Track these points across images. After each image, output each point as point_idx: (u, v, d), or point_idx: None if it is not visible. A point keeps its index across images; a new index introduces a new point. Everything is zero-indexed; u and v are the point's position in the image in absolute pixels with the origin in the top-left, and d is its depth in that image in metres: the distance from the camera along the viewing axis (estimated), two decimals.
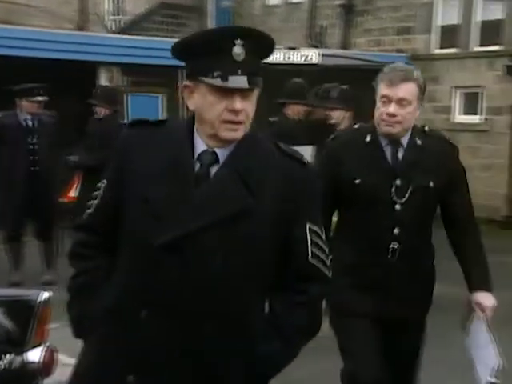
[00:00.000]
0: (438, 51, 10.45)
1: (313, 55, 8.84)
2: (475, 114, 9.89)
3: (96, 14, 12.81)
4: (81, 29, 11.99)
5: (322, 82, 5.59)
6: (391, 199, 2.36)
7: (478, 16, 9.97)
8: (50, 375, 2.29)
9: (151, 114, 9.52)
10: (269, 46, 1.55)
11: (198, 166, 1.55)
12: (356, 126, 2.56)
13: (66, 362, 2.59)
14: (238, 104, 1.49)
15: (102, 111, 5.72)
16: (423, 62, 9.87)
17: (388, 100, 2.30)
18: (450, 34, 10.28)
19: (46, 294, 2.36)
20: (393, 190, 2.36)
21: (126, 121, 7.48)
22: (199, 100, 1.53)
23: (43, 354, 2.25)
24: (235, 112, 1.50)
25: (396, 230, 2.36)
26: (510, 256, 3.36)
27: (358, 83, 5.52)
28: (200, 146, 1.56)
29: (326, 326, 1.90)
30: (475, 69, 9.73)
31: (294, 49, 8.88)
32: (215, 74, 1.47)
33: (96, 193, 1.67)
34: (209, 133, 1.54)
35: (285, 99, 5.17)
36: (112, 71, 9.75)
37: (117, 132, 5.09)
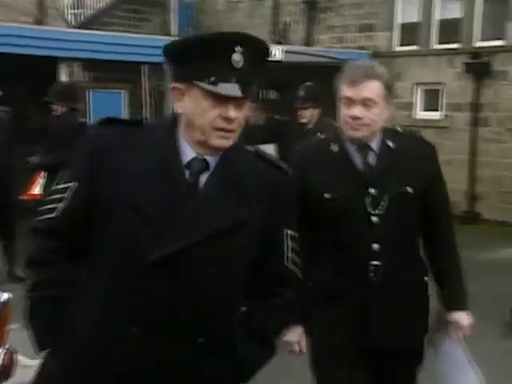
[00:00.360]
0: (399, 48, 10.60)
1: (276, 52, 8.85)
2: (436, 110, 10.08)
3: (55, 8, 12.55)
4: (39, 23, 11.72)
5: (285, 79, 5.62)
6: (366, 211, 2.09)
7: (438, 14, 10.16)
8: (10, 378, 2.25)
9: (114, 111, 9.39)
10: (265, 54, 1.53)
11: (187, 173, 1.51)
12: (322, 136, 2.33)
13: (26, 364, 2.53)
14: (233, 112, 1.46)
15: (58, 109, 5.56)
16: (385, 59, 9.99)
17: (351, 102, 2.06)
18: (410, 32, 10.44)
19: (5, 295, 2.31)
20: (366, 200, 2.10)
21: (86, 119, 7.33)
22: (190, 104, 1.47)
23: (2, 356, 2.20)
24: (228, 120, 1.46)
25: (375, 246, 2.10)
26: (469, 250, 3.41)
27: (321, 80, 5.56)
28: (188, 152, 1.51)
29: None
30: (436, 66, 9.92)
31: None
32: (211, 79, 1.43)
33: (59, 195, 1.55)
34: (198, 139, 1.49)
35: None
36: (73, 67, 9.58)
37: (75, 130, 5.03)
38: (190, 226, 1.47)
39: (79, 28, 11.92)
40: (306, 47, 11.12)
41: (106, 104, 9.19)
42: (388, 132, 2.18)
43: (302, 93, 5.12)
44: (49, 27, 10.68)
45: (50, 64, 8.35)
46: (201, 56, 1.43)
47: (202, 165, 1.51)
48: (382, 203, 2.10)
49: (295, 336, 2.19)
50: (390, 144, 2.15)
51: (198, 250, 1.47)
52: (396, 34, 10.64)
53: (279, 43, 11.13)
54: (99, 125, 1.60)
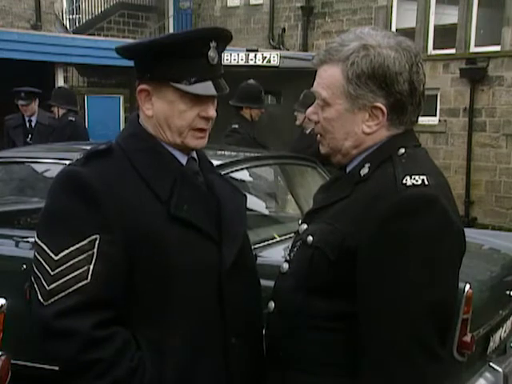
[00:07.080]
0: None
1: (273, 57, 8.87)
2: (432, 115, 10.10)
3: (54, 14, 12.56)
4: (36, 28, 11.73)
5: (282, 84, 5.62)
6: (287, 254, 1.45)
7: (434, 20, 10.19)
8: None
9: (111, 116, 9.40)
10: (228, 44, 1.47)
11: (201, 178, 1.48)
12: None
13: None
14: (211, 111, 1.41)
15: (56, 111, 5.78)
16: None
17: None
18: (406, 37, 10.45)
19: (0, 301, 2.30)
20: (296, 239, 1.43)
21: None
22: (163, 106, 1.38)
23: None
24: (207, 119, 1.40)
25: (271, 305, 1.42)
26: None
27: None
28: (178, 155, 1.43)
29: None
30: (432, 71, 9.94)
31: (254, 51, 8.90)
32: (192, 79, 1.35)
33: (81, 257, 1.28)
34: (175, 141, 1.41)
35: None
36: (69, 72, 9.58)
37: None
38: (234, 229, 1.46)
39: (76, 33, 11.93)
40: (302, 52, 11.15)
41: (103, 109, 9.20)
42: (377, 156, 1.36)
43: (299, 98, 5.10)
44: (46, 32, 10.68)
45: (47, 69, 8.36)
46: (177, 56, 1.34)
47: (196, 164, 1.47)
48: (294, 248, 1.41)
49: None
50: (364, 172, 1.34)
51: (244, 249, 1.48)
52: None
53: (277, 48, 11.16)
54: (81, 164, 1.36)
